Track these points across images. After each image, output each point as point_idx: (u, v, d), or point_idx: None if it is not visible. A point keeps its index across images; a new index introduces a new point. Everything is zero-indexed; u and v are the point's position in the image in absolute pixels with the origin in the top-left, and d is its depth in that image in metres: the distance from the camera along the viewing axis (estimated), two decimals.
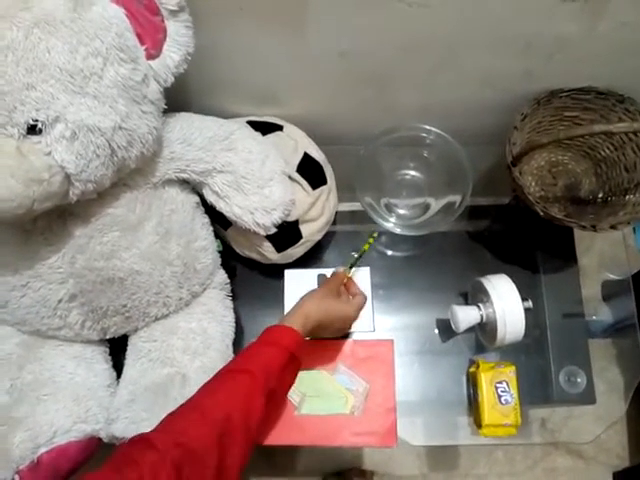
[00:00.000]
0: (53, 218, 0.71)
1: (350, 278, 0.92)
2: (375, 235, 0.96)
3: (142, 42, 0.67)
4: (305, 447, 0.96)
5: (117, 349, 0.90)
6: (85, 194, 0.67)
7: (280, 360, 0.69)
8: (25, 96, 0.58)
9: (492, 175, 1.11)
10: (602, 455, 1.50)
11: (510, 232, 1.09)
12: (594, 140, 1.03)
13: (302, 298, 0.81)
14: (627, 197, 0.97)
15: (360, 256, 0.94)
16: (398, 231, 0.96)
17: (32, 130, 0.60)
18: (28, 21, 0.57)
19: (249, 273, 1.03)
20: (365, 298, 0.89)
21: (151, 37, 0.68)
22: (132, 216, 0.75)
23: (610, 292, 1.08)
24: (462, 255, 1.07)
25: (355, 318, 0.87)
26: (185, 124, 0.80)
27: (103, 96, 0.62)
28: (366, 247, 0.95)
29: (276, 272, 1.02)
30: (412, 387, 0.97)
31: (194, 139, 0.79)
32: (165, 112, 0.76)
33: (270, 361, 0.68)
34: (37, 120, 0.59)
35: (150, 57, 0.69)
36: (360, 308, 0.88)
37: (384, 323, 1.01)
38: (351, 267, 0.93)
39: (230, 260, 0.98)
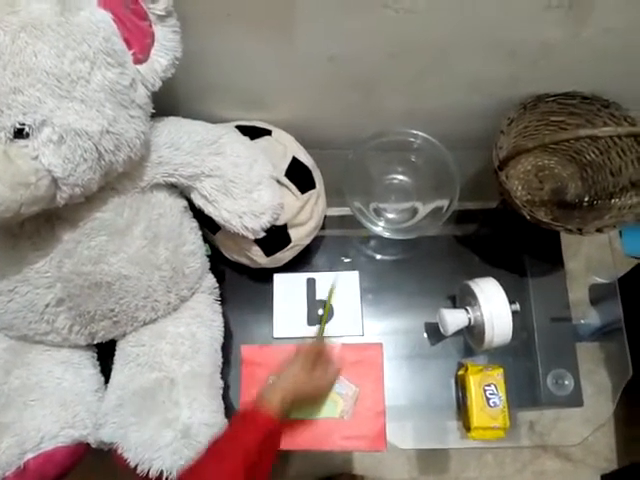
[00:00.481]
0: (41, 222, 0.71)
1: (324, 349, 0.88)
2: (334, 287, 0.98)
3: (130, 47, 0.67)
4: (295, 452, 0.95)
5: (105, 354, 0.89)
6: (73, 198, 0.67)
7: (259, 443, 0.68)
8: (12, 100, 0.58)
9: (479, 179, 1.12)
10: (590, 458, 1.51)
11: (497, 236, 1.10)
12: (580, 144, 1.04)
13: (279, 374, 0.80)
14: (613, 201, 0.98)
15: (326, 314, 0.95)
16: (387, 235, 0.96)
17: (19, 134, 0.59)
18: (15, 25, 0.57)
19: (238, 277, 1.02)
20: (338, 369, 0.88)
21: (139, 42, 0.68)
22: (120, 220, 0.75)
23: (597, 295, 1.09)
24: (450, 259, 1.07)
25: (328, 392, 0.88)
26: (173, 128, 0.80)
27: (90, 100, 0.62)
28: (329, 303, 0.96)
29: (265, 276, 1.02)
30: (401, 391, 0.97)
31: (182, 143, 0.79)
32: (153, 116, 0.76)
33: (249, 445, 0.68)
34: (24, 124, 0.59)
35: (138, 62, 0.69)
36: (334, 381, 0.88)
37: (373, 327, 1.01)
38: (322, 332, 0.94)
39: (219, 264, 0.98)
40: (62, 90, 0.60)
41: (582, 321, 1.04)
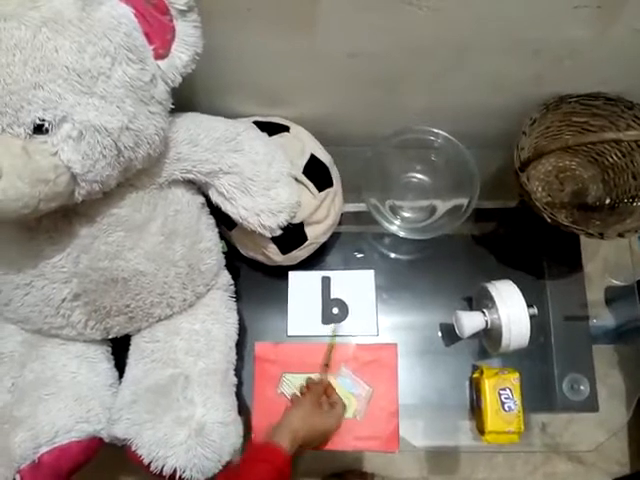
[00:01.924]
0: (58, 217, 0.71)
1: (330, 385, 0.91)
2: (335, 331, 0.97)
3: (150, 42, 0.66)
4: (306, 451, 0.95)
5: (119, 349, 0.89)
6: (91, 194, 0.67)
7: (271, 478, 0.70)
8: (32, 95, 0.57)
9: (499, 179, 1.10)
10: (602, 461, 1.49)
11: (516, 236, 1.09)
12: (602, 146, 1.02)
13: (288, 414, 0.82)
14: (635, 204, 0.96)
15: (330, 353, 0.94)
16: (402, 234, 0.95)
17: (39, 130, 0.59)
18: (36, 20, 0.56)
19: (253, 274, 1.02)
20: (344, 406, 0.89)
21: (160, 37, 0.67)
22: (137, 216, 0.75)
23: (613, 297, 1.08)
24: (467, 259, 1.06)
25: (336, 429, 0.88)
26: (192, 125, 0.79)
27: (111, 96, 0.62)
28: (332, 343, 0.95)
29: (280, 274, 1.01)
30: (414, 390, 0.97)
31: (201, 140, 0.78)
32: (172, 112, 0.75)
33: (262, 478, 0.70)
34: (44, 120, 0.58)
35: (158, 57, 0.68)
36: (340, 418, 0.88)
37: (387, 325, 1.00)
38: (326, 366, 0.94)
39: (234, 261, 0.98)
40: (83, 86, 0.59)
41: (595, 321, 1.03)
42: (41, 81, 0.57)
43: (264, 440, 0.76)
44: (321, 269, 1.03)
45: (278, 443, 0.74)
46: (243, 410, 0.88)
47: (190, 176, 0.80)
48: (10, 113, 0.57)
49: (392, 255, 1.07)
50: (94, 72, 0.60)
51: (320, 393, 0.88)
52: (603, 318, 1.06)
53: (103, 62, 0.60)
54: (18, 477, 0.71)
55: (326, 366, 0.93)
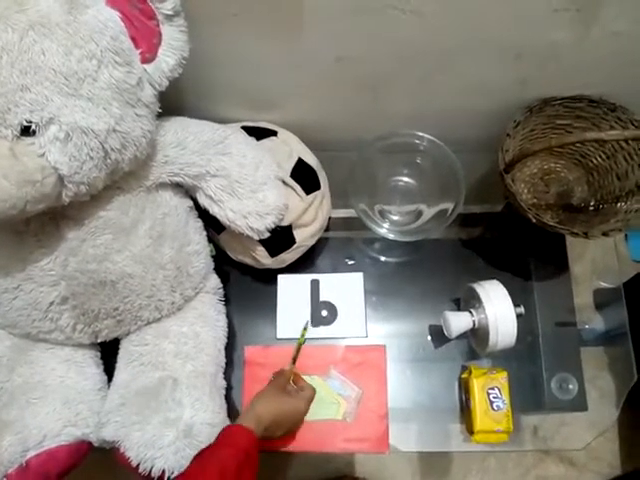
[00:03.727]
0: (46, 220, 0.71)
1: (297, 373, 0.92)
2: (307, 327, 0.97)
3: (137, 46, 0.67)
4: (296, 453, 0.95)
5: (108, 353, 0.89)
6: (78, 196, 0.67)
7: (237, 461, 0.68)
8: (19, 97, 0.58)
9: (484, 183, 1.12)
10: (594, 463, 1.50)
11: (502, 239, 1.10)
12: (586, 148, 1.04)
13: (252, 401, 0.81)
14: (619, 205, 0.97)
15: (298, 349, 0.94)
16: (391, 237, 0.96)
17: (26, 131, 0.60)
18: (23, 23, 0.57)
19: (242, 278, 1.03)
20: (313, 390, 0.89)
21: (146, 41, 0.68)
22: (125, 219, 0.75)
23: (602, 300, 1.08)
24: (454, 262, 1.07)
25: (306, 412, 0.87)
26: (179, 128, 0.80)
27: (97, 98, 0.62)
28: (301, 340, 0.95)
29: (269, 277, 1.02)
30: (404, 393, 0.97)
31: (188, 143, 0.79)
32: (159, 116, 0.76)
33: (226, 463, 0.68)
34: (31, 122, 0.59)
35: (145, 61, 0.69)
36: (310, 401, 0.87)
37: (376, 329, 1.01)
38: (294, 361, 0.93)
39: (223, 265, 0.98)
40: (69, 88, 0.60)
41: (586, 326, 1.04)
42: (28, 83, 0.58)
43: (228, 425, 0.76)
44: (310, 273, 1.04)
45: (242, 425, 0.73)
46: (232, 413, 0.88)
47: (178, 179, 0.80)
48: None
49: (381, 259, 1.08)
50: (81, 74, 0.60)
51: (284, 381, 0.88)
52: (592, 321, 1.06)
53: (89, 65, 0.61)
54: None
55: (293, 360, 0.93)
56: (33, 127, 0.59)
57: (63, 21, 0.59)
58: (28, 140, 0.60)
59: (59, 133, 0.61)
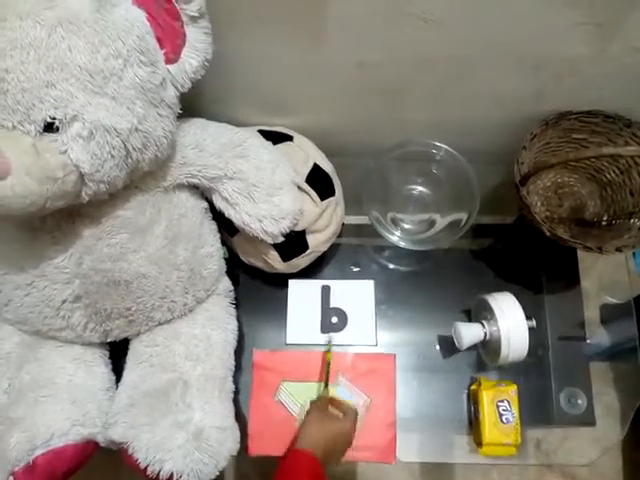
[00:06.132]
0: (62, 218, 0.71)
1: (334, 397, 0.89)
2: (330, 346, 0.96)
3: (162, 46, 0.67)
4: None
5: (116, 353, 0.89)
6: (97, 195, 0.67)
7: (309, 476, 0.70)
8: (44, 94, 0.58)
9: (496, 194, 1.12)
10: (596, 479, 1.49)
11: (513, 252, 1.10)
12: (600, 163, 1.04)
13: (301, 430, 0.80)
14: (632, 221, 0.97)
15: (328, 370, 0.92)
16: (403, 245, 0.96)
17: (49, 128, 0.59)
18: (52, 20, 0.57)
19: (252, 282, 1.02)
20: (356, 410, 0.87)
21: (171, 42, 0.68)
22: (142, 219, 0.75)
23: (609, 315, 1.08)
24: (465, 273, 1.07)
25: (354, 432, 0.84)
26: (199, 130, 0.80)
27: (121, 97, 0.62)
28: (329, 357, 0.93)
29: (279, 282, 1.02)
30: (411, 403, 0.96)
31: (207, 145, 0.79)
32: (179, 117, 0.76)
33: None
34: (55, 118, 0.59)
35: (169, 61, 0.69)
36: (355, 421, 0.85)
37: (385, 338, 1.00)
38: (326, 385, 0.91)
39: (234, 269, 0.98)
40: (94, 86, 0.60)
41: (588, 341, 1.03)
42: (54, 80, 0.58)
43: (292, 449, 0.75)
44: (321, 279, 1.04)
45: (304, 450, 0.73)
46: (239, 417, 0.87)
47: (195, 181, 0.80)
48: (22, 110, 0.57)
49: (391, 267, 1.07)
50: (106, 73, 0.60)
51: (324, 406, 0.86)
52: (598, 336, 1.06)
53: (115, 63, 0.61)
54: (12, 479, 0.70)
55: (325, 384, 0.91)
56: (57, 124, 0.59)
57: (91, 19, 0.59)
58: (51, 137, 0.60)
59: (82, 131, 0.60)
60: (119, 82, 0.62)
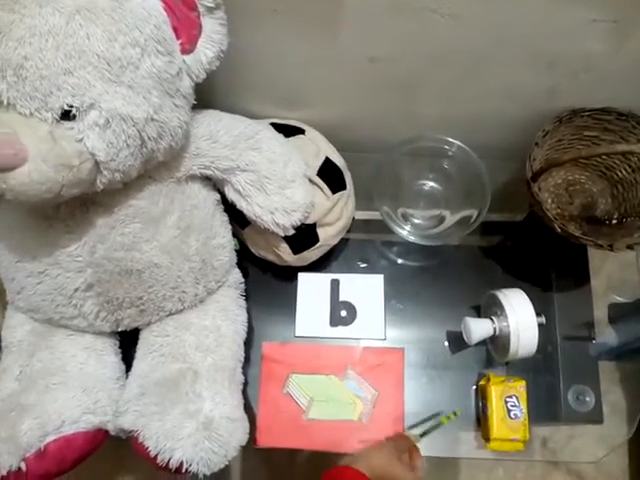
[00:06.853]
0: (76, 206, 0.71)
1: (416, 448, 0.83)
2: (457, 413, 0.91)
3: (178, 36, 0.67)
4: (309, 452, 0.95)
5: (126, 343, 0.90)
6: (112, 183, 0.67)
7: None
8: (62, 81, 0.58)
9: (506, 191, 1.11)
10: (602, 478, 1.49)
11: (523, 249, 1.09)
12: (612, 161, 1.03)
13: (366, 450, 0.77)
14: None
15: (435, 427, 0.89)
16: (412, 239, 0.96)
17: (66, 116, 0.59)
18: (70, 7, 0.57)
19: (262, 275, 1.03)
20: (424, 472, 0.79)
21: (187, 32, 0.68)
22: (155, 209, 0.75)
23: (617, 315, 1.08)
24: (474, 269, 1.07)
25: None
26: (212, 121, 0.80)
27: (138, 86, 0.62)
28: (444, 420, 0.90)
29: (289, 275, 1.02)
30: (418, 398, 0.96)
31: (220, 136, 0.79)
32: (193, 108, 0.76)
33: None
34: (72, 106, 0.59)
35: (185, 52, 0.69)
36: (421, 476, 0.78)
37: (394, 332, 1.01)
38: (422, 435, 0.88)
39: (244, 261, 0.98)
40: (111, 74, 0.60)
41: (594, 341, 1.03)
42: (71, 67, 0.58)
43: (344, 465, 0.72)
44: (330, 272, 1.04)
45: (358, 470, 0.70)
46: (248, 409, 0.87)
47: (208, 172, 0.80)
48: (39, 97, 0.57)
49: (400, 263, 1.07)
50: (124, 61, 0.60)
51: (404, 448, 0.81)
52: (604, 335, 1.06)
53: (133, 52, 0.61)
54: (23, 465, 0.70)
55: (422, 435, 0.88)
56: (74, 111, 0.59)
57: (109, 7, 0.59)
58: (68, 124, 0.60)
59: (99, 119, 0.61)
60: (136, 71, 0.62)
